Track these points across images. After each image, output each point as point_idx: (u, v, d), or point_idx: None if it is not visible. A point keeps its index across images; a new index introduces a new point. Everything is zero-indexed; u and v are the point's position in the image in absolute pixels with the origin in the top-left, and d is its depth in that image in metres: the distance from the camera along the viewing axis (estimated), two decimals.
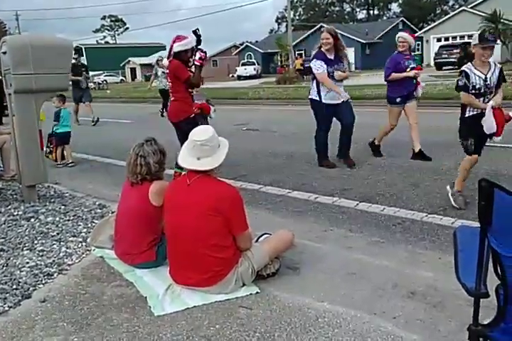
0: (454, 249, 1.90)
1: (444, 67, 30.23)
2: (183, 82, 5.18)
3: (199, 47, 5.12)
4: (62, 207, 4.74)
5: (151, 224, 3.17)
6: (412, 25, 48.31)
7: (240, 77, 41.51)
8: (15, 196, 5.20)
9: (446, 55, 30.60)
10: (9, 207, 4.75)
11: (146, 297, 2.87)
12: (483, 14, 30.81)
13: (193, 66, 5.20)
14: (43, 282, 3.14)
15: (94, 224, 4.08)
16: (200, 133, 2.93)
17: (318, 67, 5.91)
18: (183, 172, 3.27)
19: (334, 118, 6.25)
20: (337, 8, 76.67)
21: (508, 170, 5.51)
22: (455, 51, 30.21)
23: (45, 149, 6.59)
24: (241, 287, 2.93)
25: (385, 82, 6.53)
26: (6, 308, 2.81)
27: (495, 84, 4.36)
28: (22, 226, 4.17)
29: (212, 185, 2.91)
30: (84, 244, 3.75)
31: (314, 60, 6.01)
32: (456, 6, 50.25)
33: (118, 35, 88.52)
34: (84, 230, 4.03)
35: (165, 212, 3.01)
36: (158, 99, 15.96)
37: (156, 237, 3.20)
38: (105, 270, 3.31)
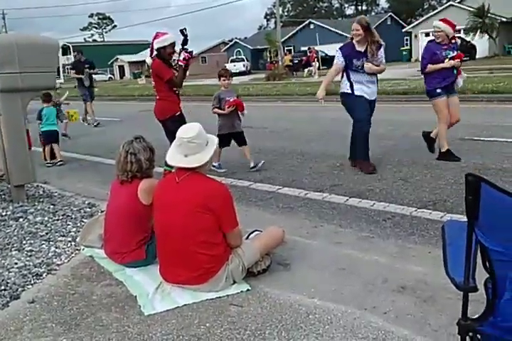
0: (442, 243, 1.90)
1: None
2: (166, 81, 5.15)
3: (185, 47, 5.10)
4: (51, 206, 4.70)
5: (141, 222, 3.15)
6: (400, 21, 48.42)
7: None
8: (3, 196, 5.14)
9: None
10: None
11: (135, 296, 2.85)
12: (470, 9, 30.96)
13: (177, 65, 5.19)
14: (32, 282, 3.11)
15: (83, 224, 4.05)
16: (187, 130, 2.91)
17: (336, 57, 5.68)
18: (173, 171, 3.25)
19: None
20: (325, 4, 76.67)
21: (495, 164, 5.53)
22: None
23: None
24: (232, 284, 2.92)
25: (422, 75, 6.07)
26: None
27: None
28: (10, 226, 4.12)
29: (202, 182, 2.89)
30: (73, 243, 3.72)
31: (338, 50, 5.70)
32: (444, 1, 50.41)
33: (106, 33, 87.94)
34: (74, 229, 4.00)
35: (154, 210, 2.99)
36: (148, 96, 15.88)
37: (146, 236, 3.18)
38: (95, 269, 3.28)
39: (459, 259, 1.68)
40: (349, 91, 5.63)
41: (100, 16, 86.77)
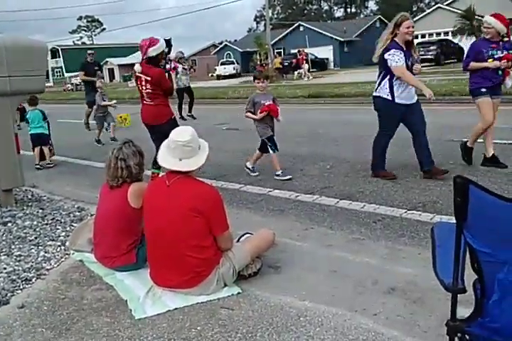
0: (431, 245, 1.92)
1: (421, 64, 30.57)
2: (164, 90, 5.20)
3: (169, 56, 5.18)
4: (40, 210, 4.66)
5: (131, 226, 3.14)
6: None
7: (219, 77, 41.37)
8: None
9: (423, 52, 30.88)
10: None
11: (126, 300, 2.84)
12: (458, 11, 31.23)
13: (168, 74, 5.27)
14: (21, 287, 3.08)
15: (73, 228, 4.03)
16: (181, 133, 2.90)
17: (397, 59, 4.96)
18: (161, 173, 3.25)
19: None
20: (315, 7, 77.00)
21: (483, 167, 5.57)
22: (432, 48, 30.62)
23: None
24: (222, 288, 2.92)
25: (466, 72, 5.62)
26: None
27: None
28: None
29: (192, 185, 2.89)
30: (63, 247, 3.70)
31: (392, 50, 5.00)
32: (432, 3, 50.83)
33: (95, 35, 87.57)
34: (63, 234, 3.97)
35: (144, 214, 2.98)
36: (135, 99, 15.60)
37: (136, 239, 3.17)
38: (85, 274, 3.26)
39: (447, 261, 1.69)
40: (389, 97, 5.17)
41: (89, 19, 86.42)
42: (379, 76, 5.30)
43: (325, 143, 7.80)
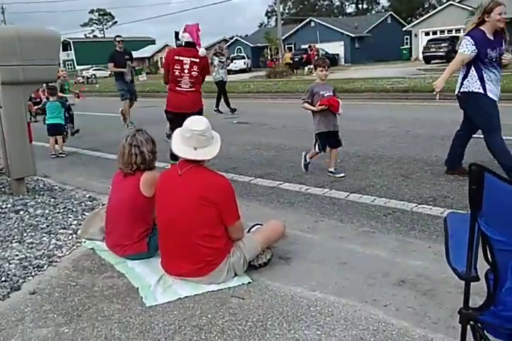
0: (444, 235, 1.91)
1: (432, 61, 30.37)
2: (204, 75, 5.44)
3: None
4: (52, 199, 4.70)
5: (143, 215, 3.16)
6: (400, 20, 48.40)
7: (229, 71, 41.36)
8: (3, 189, 5.14)
9: (434, 49, 30.74)
10: None
11: (137, 288, 2.86)
12: (470, 8, 30.93)
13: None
14: (33, 274, 3.11)
15: (84, 217, 4.06)
16: (197, 122, 2.90)
17: (465, 46, 4.55)
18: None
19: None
20: (326, 2, 76.63)
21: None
22: (443, 45, 30.37)
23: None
24: (233, 277, 2.93)
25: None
26: None
27: None
28: (11, 218, 4.13)
29: (204, 175, 2.90)
30: (74, 236, 3.73)
31: (468, 37, 4.56)
32: (444, 0, 50.40)
33: (106, 29, 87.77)
34: (75, 222, 4.00)
35: (156, 203, 2.99)
36: (148, 93, 15.71)
37: (148, 228, 3.19)
38: (96, 262, 3.29)
39: (460, 250, 1.69)
40: (480, 90, 4.57)
41: (101, 12, 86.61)
42: (462, 69, 4.74)
43: None
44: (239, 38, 51.76)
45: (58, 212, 4.28)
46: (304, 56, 31.80)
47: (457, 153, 5.11)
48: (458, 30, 33.49)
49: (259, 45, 45.15)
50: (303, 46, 38.33)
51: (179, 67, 5.28)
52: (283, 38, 36.75)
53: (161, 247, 3.02)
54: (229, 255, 2.91)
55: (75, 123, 9.42)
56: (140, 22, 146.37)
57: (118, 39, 10.10)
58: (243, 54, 45.01)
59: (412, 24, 40.31)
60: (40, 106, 7.96)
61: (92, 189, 5.14)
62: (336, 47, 41.98)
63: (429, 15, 38.96)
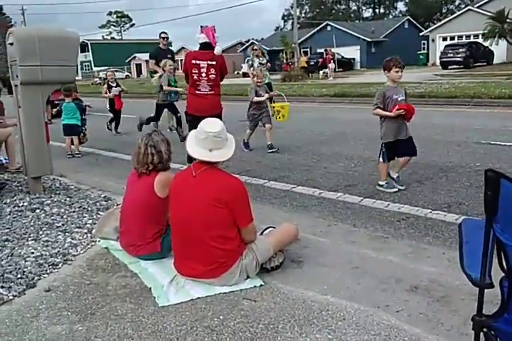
0: (459, 241, 1.90)
1: (449, 66, 30.14)
2: (224, 75, 5.47)
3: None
4: (68, 198, 4.75)
5: (157, 215, 3.19)
6: (417, 24, 48.13)
7: (245, 74, 41.46)
8: (20, 188, 5.22)
9: (451, 54, 30.47)
10: (14, 198, 4.77)
11: (150, 288, 2.89)
12: (489, 14, 30.64)
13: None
14: (48, 272, 3.15)
15: (99, 216, 4.10)
16: (212, 124, 2.93)
17: None
18: None
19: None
20: (343, 7, 76.47)
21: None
22: (461, 50, 30.11)
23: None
24: (245, 279, 2.94)
25: None
26: (11, 297, 2.83)
27: None
28: (27, 217, 4.19)
29: (219, 176, 2.92)
30: (89, 235, 3.77)
31: None
32: (463, 6, 50.00)
33: (124, 31, 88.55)
34: (90, 221, 4.04)
35: (170, 204, 3.01)
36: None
37: (161, 228, 3.21)
38: (110, 261, 3.32)
39: (475, 256, 1.68)
40: None
41: (119, 14, 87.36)
42: None
43: (350, 142, 7.76)
44: (255, 41, 51.89)
45: (74, 211, 4.33)
46: (320, 60, 31.75)
47: None
48: (476, 36, 33.21)
49: (274, 48, 45.12)
50: (319, 50, 38.30)
51: (197, 71, 5.32)
52: (299, 41, 36.74)
53: (174, 248, 3.04)
54: (241, 257, 2.92)
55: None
56: (157, 24, 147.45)
57: (163, 35, 9.42)
58: None
59: (429, 29, 40.05)
60: (57, 108, 8.02)
61: (107, 189, 5.19)
62: (352, 52, 41.85)
63: (447, 20, 38.67)
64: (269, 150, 7.06)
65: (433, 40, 38.13)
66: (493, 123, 8.94)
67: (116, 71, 51.85)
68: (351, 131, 8.90)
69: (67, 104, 7.71)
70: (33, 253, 3.42)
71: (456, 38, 36.14)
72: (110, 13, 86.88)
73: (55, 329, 2.50)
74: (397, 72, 4.68)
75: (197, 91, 5.41)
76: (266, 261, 3.03)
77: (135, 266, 3.17)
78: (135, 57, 62.67)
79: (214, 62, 5.28)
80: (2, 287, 2.92)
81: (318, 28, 45.30)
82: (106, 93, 10.13)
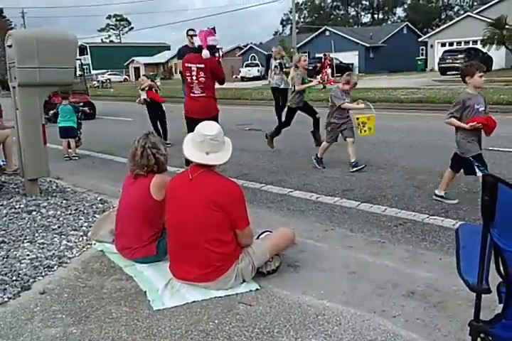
0: (455, 246, 1.89)
1: (448, 72, 30.22)
2: (218, 79, 5.36)
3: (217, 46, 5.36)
4: (64, 201, 4.74)
5: (152, 218, 3.17)
6: (416, 30, 48.32)
7: (243, 78, 41.50)
8: (17, 189, 5.20)
9: (450, 60, 30.56)
10: (11, 200, 4.75)
11: (145, 291, 2.87)
12: (488, 20, 30.80)
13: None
14: (43, 274, 3.13)
15: (95, 219, 4.08)
16: (209, 127, 2.93)
17: None
18: None
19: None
20: (342, 12, 76.76)
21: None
22: (459, 56, 30.21)
23: None
24: (241, 283, 2.92)
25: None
26: (6, 299, 2.81)
27: None
28: (23, 219, 4.17)
29: (215, 179, 2.91)
30: (85, 237, 3.75)
31: None
32: (461, 12, 50.25)
33: (123, 34, 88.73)
34: (85, 224, 4.03)
35: (166, 206, 3.00)
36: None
37: (157, 232, 3.20)
38: (105, 264, 3.30)
39: (472, 262, 1.68)
40: None
41: (118, 18, 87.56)
42: None
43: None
44: (253, 46, 51.99)
45: (70, 214, 4.31)
46: (318, 65, 31.81)
47: None
48: (475, 42, 33.35)
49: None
50: (317, 55, 38.39)
51: (189, 74, 5.35)
52: (298, 46, 36.84)
53: (169, 251, 3.02)
54: (237, 261, 2.91)
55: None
56: (156, 28, 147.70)
57: (191, 33, 8.58)
58: (257, 61, 45.16)
59: (428, 35, 40.20)
60: (54, 110, 8.01)
61: (103, 192, 5.17)
62: (351, 57, 41.95)
63: (445, 26, 38.83)
64: (353, 169, 5.94)
65: (431, 46, 38.27)
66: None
67: (114, 74, 51.96)
68: None
69: (63, 106, 7.72)
70: (28, 255, 3.40)
71: (454, 43, 36.28)
72: (109, 17, 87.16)
73: (50, 331, 2.48)
74: (480, 76, 4.25)
75: (191, 94, 5.43)
76: (262, 265, 3.02)
77: (130, 269, 3.16)
78: (133, 60, 62.81)
79: (202, 66, 5.27)
80: None
81: (316, 32, 45.41)
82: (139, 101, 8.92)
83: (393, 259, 3.30)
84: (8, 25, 46.04)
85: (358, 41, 43.06)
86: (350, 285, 2.92)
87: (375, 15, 75.70)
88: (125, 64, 62.70)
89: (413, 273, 3.06)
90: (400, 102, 14.32)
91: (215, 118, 5.13)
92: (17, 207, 4.51)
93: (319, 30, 45.47)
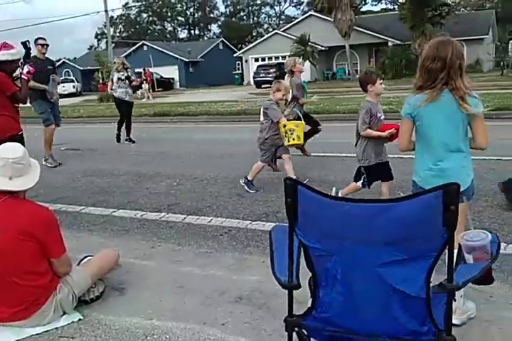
0: (270, 248, 1.98)
1: (263, 86, 32.38)
2: (9, 96, 4.68)
3: (27, 60, 4.76)
4: None
5: None
6: (231, 46, 50.82)
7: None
8: None
9: (263, 74, 32.85)
10: None
11: None
12: (293, 37, 33.83)
13: (19, 80, 4.76)
14: None
15: None
16: (11, 150, 2.66)
17: None
18: None
19: None
20: (158, 27, 77.19)
21: (335, 176, 5.98)
22: (271, 70, 32.64)
23: None
24: (61, 316, 2.69)
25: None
26: None
27: None
28: None
29: (23, 206, 2.65)
30: None
31: None
32: (270, 29, 54.29)
33: None
34: None
35: None
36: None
37: None
38: None
39: (284, 261, 1.77)
40: None
41: None
42: None
43: (171, 161, 7.77)
44: (66, 61, 49.20)
45: None
46: (138, 80, 31.51)
47: None
48: (284, 57, 36.26)
49: (89, 68, 43.43)
50: (136, 70, 37.97)
51: None
52: (114, 61, 36.06)
53: None
54: (55, 292, 2.67)
55: None
56: None
57: (41, 42, 7.32)
58: (72, 77, 42.82)
59: (242, 50, 42.55)
60: None
61: None
62: (171, 72, 42.38)
63: (257, 42, 41.54)
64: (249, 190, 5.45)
65: (246, 61, 40.61)
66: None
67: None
68: (172, 149, 8.94)
69: None
70: None
71: (266, 59, 39.02)
72: None
73: None
74: (381, 84, 4.23)
75: None
76: (84, 293, 2.83)
77: None
78: None
79: None
80: None
81: (134, 47, 44.92)
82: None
83: (220, 268, 3.36)
84: None
85: (176, 56, 43.70)
86: (179, 300, 2.89)
87: (192, 31, 77.79)
88: None
89: (239, 279, 3.15)
90: (220, 115, 14.88)
91: (19, 139, 4.61)
92: None
93: (137, 45, 45.06)
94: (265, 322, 2.58)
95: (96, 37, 74.85)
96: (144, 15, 73.03)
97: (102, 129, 13.97)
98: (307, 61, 33.18)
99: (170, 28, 77.45)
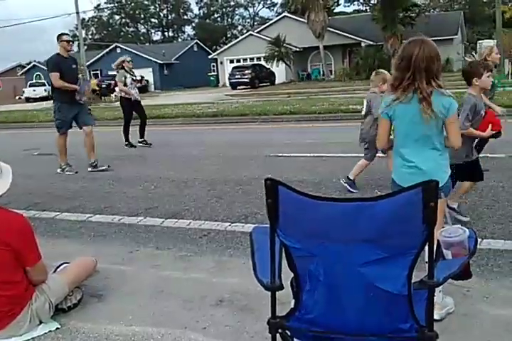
0: (251, 249, 1.96)
1: (238, 87, 32.37)
2: None
3: None
4: None
5: None
6: (206, 48, 50.65)
7: (28, 99, 38.33)
8: None
9: (239, 76, 32.82)
10: None
11: None
12: (268, 39, 33.91)
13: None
14: None
15: None
16: None
17: None
18: None
19: None
20: (131, 29, 76.45)
21: (297, 177, 6.01)
22: (247, 72, 32.66)
23: None
24: (38, 325, 2.61)
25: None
26: None
27: None
28: None
29: None
30: None
31: None
32: (245, 31, 54.28)
33: None
34: None
35: None
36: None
37: None
38: None
39: (266, 262, 1.75)
40: None
41: None
42: None
43: (147, 164, 7.69)
44: (37, 64, 48.21)
45: None
46: (112, 83, 31.12)
47: None
48: (259, 58, 36.31)
49: None
50: (110, 72, 37.54)
51: None
52: (87, 63, 35.51)
53: None
54: (31, 301, 2.58)
55: None
56: None
57: (65, 38, 6.79)
58: (43, 80, 41.95)
59: (217, 52, 42.48)
60: None
61: None
62: (145, 74, 41.94)
63: (231, 44, 41.49)
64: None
65: (221, 63, 40.54)
66: (278, 137, 9.82)
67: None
68: (149, 152, 8.85)
69: None
70: None
71: (241, 60, 39.01)
72: None
73: None
74: (488, 76, 3.65)
75: None
76: (62, 301, 2.75)
77: None
78: None
79: None
80: None
81: (107, 49, 44.37)
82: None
83: (200, 271, 3.32)
84: None
85: (150, 58, 43.33)
86: (159, 305, 2.84)
87: (166, 33, 77.25)
88: None
89: (220, 282, 3.12)
90: (196, 117, 14.81)
91: None
92: None
93: (110, 47, 44.53)
94: (247, 324, 2.55)
95: None
96: (117, 17, 72.22)
97: (74, 133, 13.73)
98: (282, 62, 33.32)
99: (143, 30, 76.78)
